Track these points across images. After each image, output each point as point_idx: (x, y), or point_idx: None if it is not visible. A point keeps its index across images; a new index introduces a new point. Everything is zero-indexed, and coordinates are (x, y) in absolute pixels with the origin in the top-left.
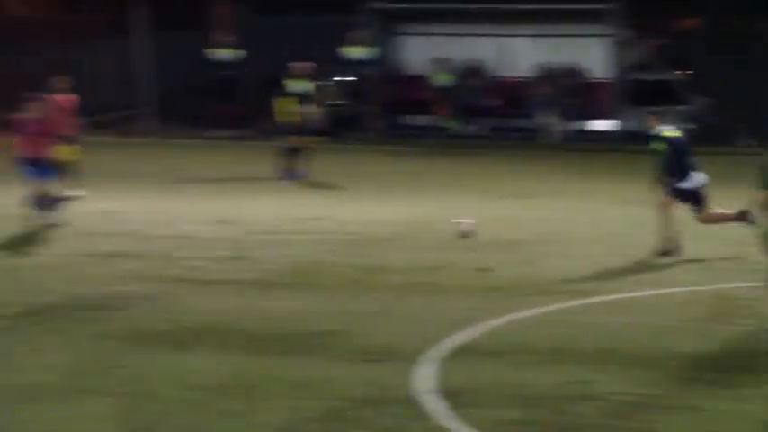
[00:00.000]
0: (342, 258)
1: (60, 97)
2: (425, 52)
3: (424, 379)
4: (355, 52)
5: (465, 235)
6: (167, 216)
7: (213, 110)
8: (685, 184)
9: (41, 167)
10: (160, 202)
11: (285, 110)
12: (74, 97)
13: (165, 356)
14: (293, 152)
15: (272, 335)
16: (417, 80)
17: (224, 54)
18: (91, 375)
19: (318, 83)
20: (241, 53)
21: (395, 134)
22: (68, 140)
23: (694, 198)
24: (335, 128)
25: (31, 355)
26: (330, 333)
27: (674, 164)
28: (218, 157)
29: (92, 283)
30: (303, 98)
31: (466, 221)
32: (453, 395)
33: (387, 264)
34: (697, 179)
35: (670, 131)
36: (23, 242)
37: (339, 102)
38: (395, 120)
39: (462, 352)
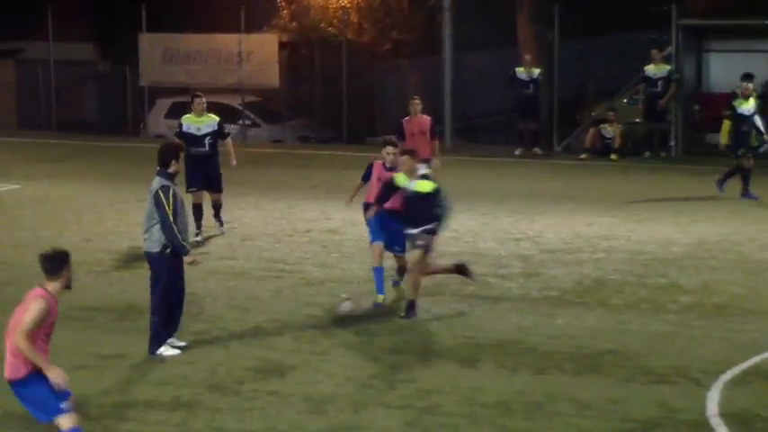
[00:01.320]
0: (632, 278)
1: (415, 119)
2: (731, 69)
3: (714, 403)
4: (655, 70)
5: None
6: (462, 233)
7: (515, 127)
8: None
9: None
10: (456, 220)
11: (729, 130)
12: (428, 118)
13: (452, 372)
14: (740, 172)
15: (559, 353)
16: (721, 97)
17: (529, 72)
18: (378, 388)
19: (624, 101)
20: (541, 71)
21: (697, 152)
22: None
23: None
24: (635, 146)
25: (323, 367)
26: (618, 353)
27: None
28: (514, 173)
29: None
30: (746, 118)
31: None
32: (743, 421)
33: (677, 284)
34: None
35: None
36: (322, 257)
37: (638, 120)
38: (697, 138)
39: (753, 376)
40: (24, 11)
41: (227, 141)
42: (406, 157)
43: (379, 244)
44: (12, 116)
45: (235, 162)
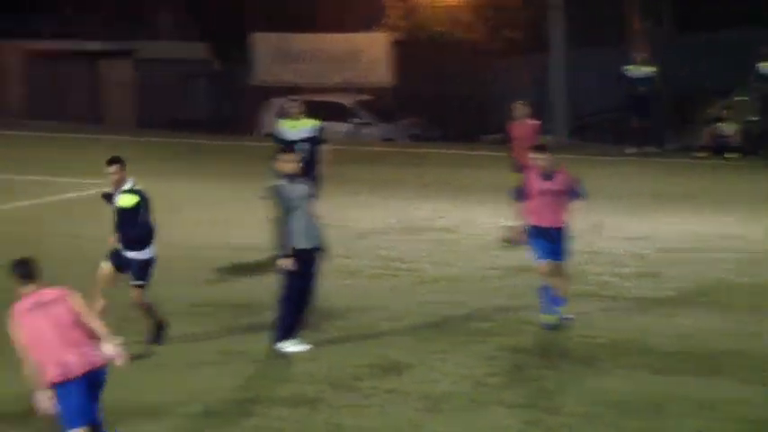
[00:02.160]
0: (748, 278)
1: (519, 124)
2: None
3: None
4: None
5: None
6: (578, 232)
7: (629, 126)
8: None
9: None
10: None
11: None
12: (532, 123)
13: (572, 372)
14: None
15: (678, 353)
16: None
17: (639, 70)
18: (498, 387)
19: (740, 99)
20: (656, 69)
21: None
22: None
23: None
24: (752, 144)
25: (439, 366)
26: (737, 353)
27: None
28: (627, 171)
29: (499, 295)
30: None
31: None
32: None
33: None
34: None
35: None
36: (438, 255)
37: (755, 118)
38: None
39: None
40: (139, 11)
41: (324, 149)
42: (115, 167)
43: (545, 262)
44: (130, 115)
45: (324, 171)
